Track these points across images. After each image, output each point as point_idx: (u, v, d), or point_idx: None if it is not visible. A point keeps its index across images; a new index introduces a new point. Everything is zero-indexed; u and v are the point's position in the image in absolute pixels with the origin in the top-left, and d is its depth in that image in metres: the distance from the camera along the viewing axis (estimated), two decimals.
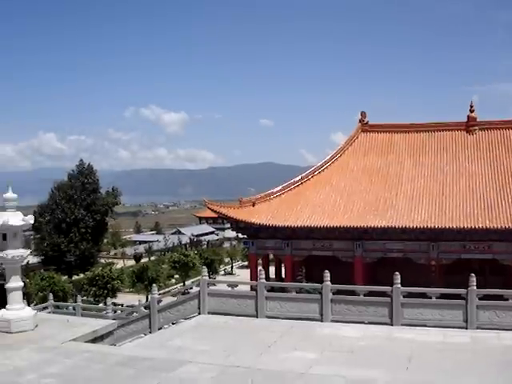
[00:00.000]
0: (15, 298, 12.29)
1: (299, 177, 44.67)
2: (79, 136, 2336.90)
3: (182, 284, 65.76)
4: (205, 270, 21.59)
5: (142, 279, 59.51)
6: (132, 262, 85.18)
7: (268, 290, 20.46)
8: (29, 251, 12.49)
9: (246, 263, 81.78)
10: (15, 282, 12.28)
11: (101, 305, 43.64)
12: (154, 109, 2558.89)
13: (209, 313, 20.45)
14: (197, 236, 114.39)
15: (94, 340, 12.19)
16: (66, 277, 58.31)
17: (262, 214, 40.99)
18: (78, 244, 65.56)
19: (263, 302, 19.90)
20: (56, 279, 46.62)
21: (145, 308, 21.60)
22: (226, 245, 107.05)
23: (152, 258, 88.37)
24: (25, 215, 12.30)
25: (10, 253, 11.94)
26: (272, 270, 46.54)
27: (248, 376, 9.47)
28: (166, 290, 54.58)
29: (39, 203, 71.31)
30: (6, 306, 12.29)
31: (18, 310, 12.28)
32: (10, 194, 12.19)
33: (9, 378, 9.47)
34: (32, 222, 12.27)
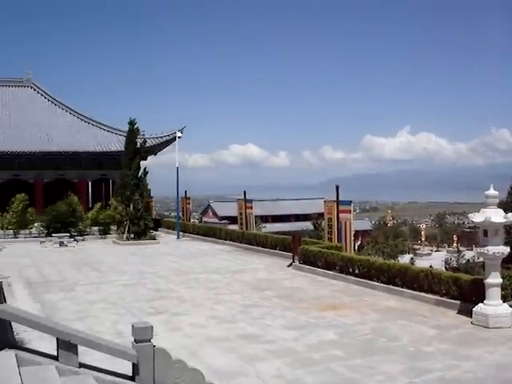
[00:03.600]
0: (493, 294, 12.43)
1: None
2: None
3: None
4: None
5: None
6: None
7: None
8: (508, 248, 12.44)
9: None
10: (494, 278, 12.42)
11: None
12: None
13: None
14: None
15: None
16: None
17: None
18: None
19: None
20: None
21: None
22: None
23: None
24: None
25: (491, 249, 12.14)
26: None
27: None
28: None
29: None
30: (484, 301, 12.53)
31: (496, 305, 12.39)
32: (491, 192, 12.41)
33: (490, 371, 9.66)
34: None
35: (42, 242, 33.26)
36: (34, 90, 51.06)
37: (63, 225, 35.69)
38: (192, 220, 48.75)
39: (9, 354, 6.89)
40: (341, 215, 23.24)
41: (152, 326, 7.25)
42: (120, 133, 44.05)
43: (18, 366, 6.59)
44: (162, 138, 44.24)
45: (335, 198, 23.97)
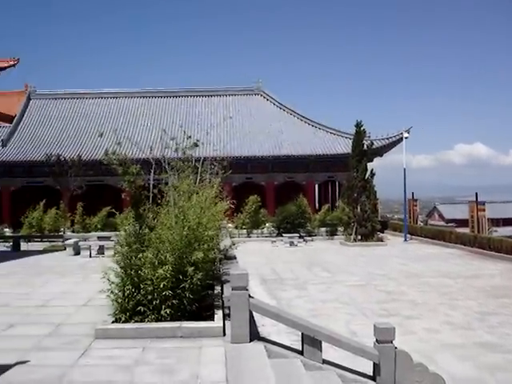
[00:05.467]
0: None
1: None
2: None
3: None
4: None
5: None
6: None
7: None
8: None
9: None
10: None
11: None
12: None
13: None
14: None
15: None
16: None
17: None
18: None
19: None
20: None
21: None
22: None
23: None
24: None
25: None
26: None
27: None
28: None
29: None
30: None
31: None
32: None
33: None
34: None
35: (273, 241, 35.05)
36: (264, 97, 53.84)
37: (292, 225, 37.25)
38: (418, 222, 47.57)
39: (259, 345, 7.46)
40: None
41: (394, 328, 7.32)
42: (346, 135, 44.65)
43: (268, 357, 7.10)
44: (388, 139, 43.87)
45: None
